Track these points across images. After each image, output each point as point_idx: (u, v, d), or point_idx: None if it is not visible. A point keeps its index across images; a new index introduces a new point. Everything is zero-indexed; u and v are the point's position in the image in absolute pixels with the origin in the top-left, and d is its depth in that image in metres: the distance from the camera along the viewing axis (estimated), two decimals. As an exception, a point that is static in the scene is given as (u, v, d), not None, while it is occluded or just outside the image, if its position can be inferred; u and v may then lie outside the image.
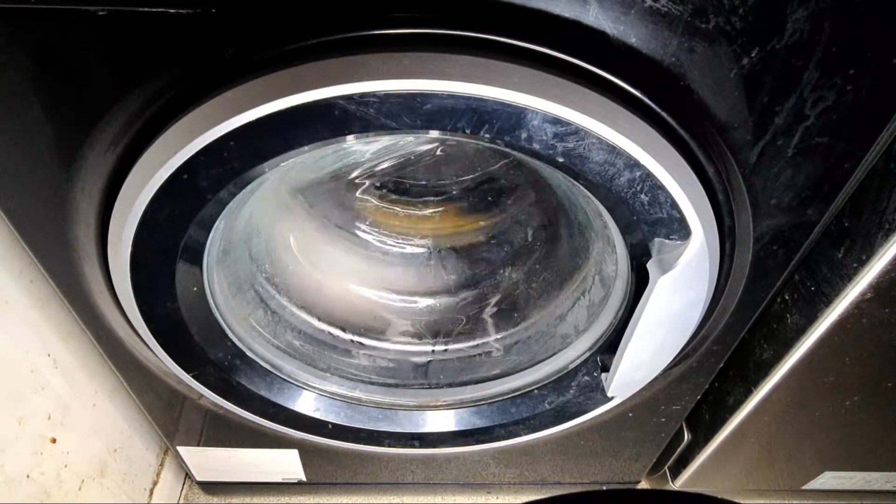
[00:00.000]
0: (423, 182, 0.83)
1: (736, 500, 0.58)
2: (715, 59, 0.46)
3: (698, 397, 0.84)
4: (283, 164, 0.50)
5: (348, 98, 0.44)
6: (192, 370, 0.69)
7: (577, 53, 0.47)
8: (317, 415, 0.79)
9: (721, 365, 0.77)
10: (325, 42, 0.46)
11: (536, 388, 0.80)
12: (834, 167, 0.52)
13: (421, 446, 0.84)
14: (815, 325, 0.68)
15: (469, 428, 0.82)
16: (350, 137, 0.47)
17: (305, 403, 0.79)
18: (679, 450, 0.98)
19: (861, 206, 0.60)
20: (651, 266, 0.56)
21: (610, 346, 0.73)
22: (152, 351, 0.66)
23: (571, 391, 0.78)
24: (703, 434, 0.93)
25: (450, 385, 0.83)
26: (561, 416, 0.80)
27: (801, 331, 0.70)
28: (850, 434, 0.88)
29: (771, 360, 0.76)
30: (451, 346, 0.86)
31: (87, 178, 0.53)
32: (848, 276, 0.63)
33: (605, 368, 0.75)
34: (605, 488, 1.06)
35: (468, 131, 0.47)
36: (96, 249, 0.58)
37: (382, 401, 0.82)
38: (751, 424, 0.85)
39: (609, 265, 0.72)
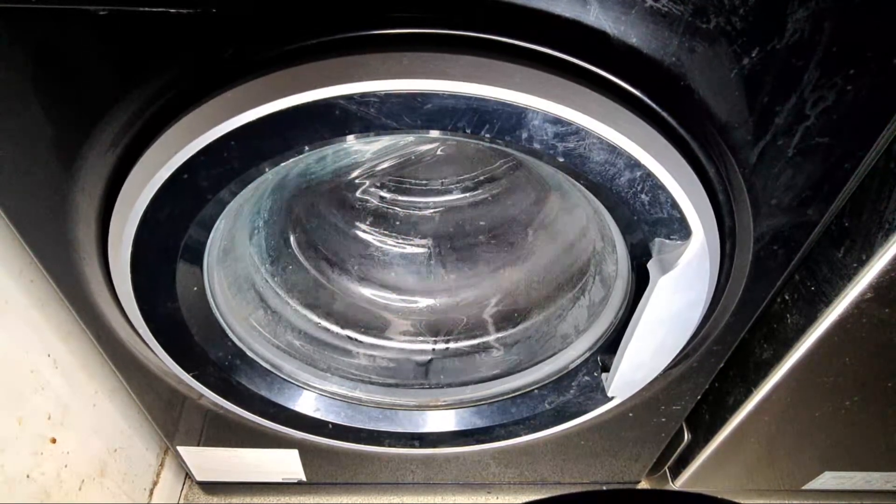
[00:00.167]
0: (424, 182, 0.83)
1: (736, 500, 0.58)
2: (715, 59, 0.46)
3: (698, 397, 0.84)
4: (283, 164, 0.50)
5: (348, 98, 0.44)
6: (193, 370, 0.69)
7: (578, 53, 0.47)
8: (317, 415, 0.79)
9: (721, 365, 0.77)
10: (325, 42, 0.46)
11: (536, 388, 0.80)
12: (834, 167, 0.52)
13: (421, 446, 0.84)
14: (815, 325, 0.68)
15: (469, 428, 0.82)
16: (350, 137, 0.47)
17: (305, 403, 0.79)
18: (679, 450, 0.98)
19: (861, 206, 0.60)
20: (651, 266, 0.56)
21: (610, 345, 0.73)
22: (152, 351, 0.66)
23: (571, 391, 0.78)
24: (703, 434, 0.93)
25: (450, 385, 0.83)
26: (561, 416, 0.80)
27: (801, 331, 0.70)
28: (850, 434, 0.88)
29: (771, 360, 0.76)
30: (452, 346, 0.86)
31: (87, 178, 0.53)
32: (848, 276, 0.63)
33: (606, 368, 0.75)
34: (605, 488, 1.06)
35: (469, 131, 0.47)
36: (96, 249, 0.58)
37: (382, 401, 0.82)
38: (751, 424, 0.85)
39: (609, 265, 0.72)
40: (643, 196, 0.51)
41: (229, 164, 0.48)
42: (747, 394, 0.81)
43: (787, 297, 0.72)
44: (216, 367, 0.70)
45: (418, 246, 0.88)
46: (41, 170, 0.52)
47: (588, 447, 0.94)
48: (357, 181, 0.80)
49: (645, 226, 0.53)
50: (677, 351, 0.67)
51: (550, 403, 0.79)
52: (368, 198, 0.84)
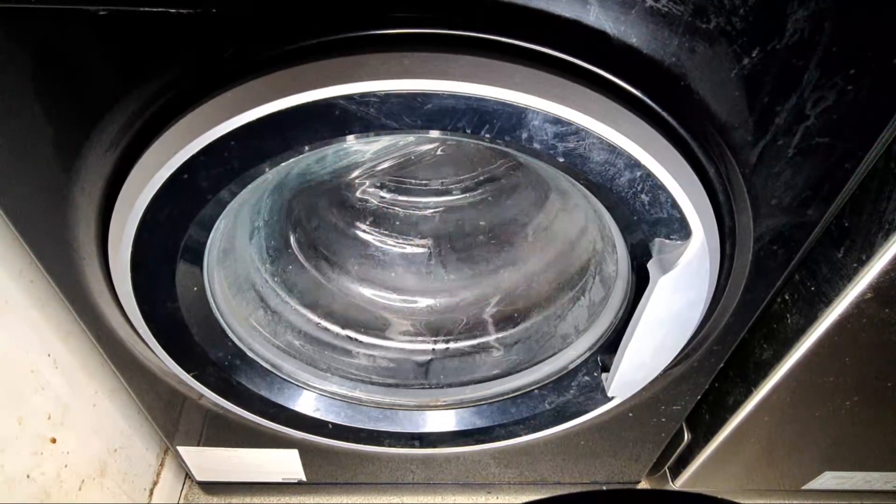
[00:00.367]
0: (424, 182, 0.83)
1: (736, 500, 0.58)
2: (715, 59, 0.46)
3: (698, 397, 0.84)
4: (283, 164, 0.50)
5: (349, 98, 0.44)
6: (193, 370, 0.69)
7: (578, 53, 0.47)
8: (317, 415, 0.79)
9: (721, 365, 0.77)
10: (325, 42, 0.46)
11: (536, 388, 0.80)
12: (834, 167, 0.52)
13: (421, 446, 0.84)
14: (815, 325, 0.68)
15: (469, 428, 0.82)
16: (350, 137, 0.47)
17: (305, 403, 0.79)
18: (679, 450, 0.98)
19: (861, 206, 0.60)
20: (651, 266, 0.56)
21: (610, 345, 0.73)
22: (153, 351, 0.66)
23: (571, 391, 0.78)
24: (703, 434, 0.93)
25: (450, 385, 0.83)
26: (561, 416, 0.80)
27: (801, 331, 0.70)
28: (850, 434, 0.88)
29: (771, 360, 0.76)
30: (452, 346, 0.86)
31: (87, 178, 0.53)
32: (848, 276, 0.63)
33: (606, 368, 0.75)
34: (605, 488, 1.06)
35: (469, 131, 0.47)
36: (96, 249, 0.58)
37: (382, 401, 0.82)
38: (751, 424, 0.85)
39: (609, 265, 0.72)
40: (643, 196, 0.51)
41: (229, 164, 0.48)
42: (747, 394, 0.81)
43: (787, 297, 0.72)
44: (216, 368, 0.70)
45: (418, 246, 0.88)
46: (41, 170, 0.52)
47: (588, 447, 0.94)
48: (357, 181, 0.80)
49: (645, 226, 0.53)
50: (677, 351, 0.67)
51: (550, 403, 0.79)
52: (368, 198, 0.84)
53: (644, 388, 0.75)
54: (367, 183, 0.81)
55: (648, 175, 0.49)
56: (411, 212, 0.86)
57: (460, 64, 0.45)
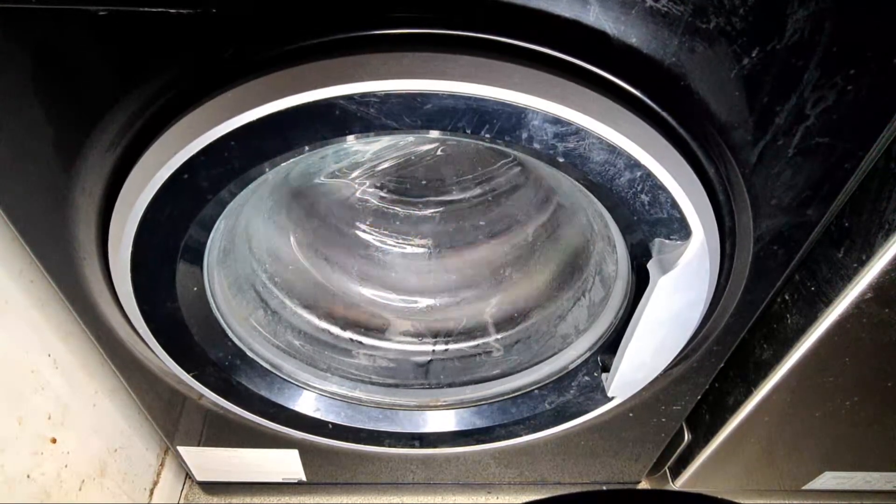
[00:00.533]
0: (423, 182, 0.83)
1: (736, 500, 0.58)
2: (715, 59, 0.46)
3: (698, 397, 0.84)
4: (283, 164, 0.50)
5: (349, 98, 0.44)
6: (193, 370, 0.69)
7: (578, 53, 0.47)
8: (317, 415, 0.79)
9: (721, 365, 0.77)
10: (325, 42, 0.46)
11: (537, 388, 0.80)
12: (834, 167, 0.52)
13: (421, 446, 0.84)
14: (815, 325, 0.68)
15: (469, 428, 0.82)
16: (350, 137, 0.47)
17: (305, 403, 0.79)
18: (679, 450, 0.98)
19: (861, 206, 0.60)
20: (651, 266, 0.56)
21: (610, 346, 0.73)
22: (152, 351, 0.66)
23: (572, 391, 0.78)
24: (703, 434, 0.93)
25: (450, 385, 0.83)
26: (561, 416, 0.80)
27: (801, 331, 0.70)
28: (850, 434, 0.88)
29: (771, 360, 0.76)
30: (452, 346, 0.86)
31: (87, 178, 0.53)
32: (848, 276, 0.63)
33: (606, 368, 0.75)
34: (605, 488, 1.06)
35: (469, 131, 0.47)
36: (96, 249, 0.58)
37: (383, 401, 0.82)
38: (751, 424, 0.85)
39: (609, 265, 0.72)
40: (643, 196, 0.51)
41: (229, 164, 0.48)
42: (747, 394, 0.81)
43: (787, 297, 0.72)
44: (216, 368, 0.70)
45: (418, 246, 0.88)
46: (41, 170, 0.52)
47: (588, 447, 0.94)
48: (357, 181, 0.80)
49: (645, 226, 0.53)
50: (677, 351, 0.67)
51: (550, 403, 0.79)
52: (368, 198, 0.84)
53: (644, 388, 0.75)
54: (367, 183, 0.81)
55: (648, 175, 0.49)
56: (411, 212, 0.86)
57: (460, 64, 0.45)
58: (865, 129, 0.50)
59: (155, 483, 1.01)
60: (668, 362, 0.69)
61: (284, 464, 0.96)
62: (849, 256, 0.63)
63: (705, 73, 0.47)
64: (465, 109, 0.45)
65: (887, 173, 0.57)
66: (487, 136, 0.47)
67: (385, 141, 0.70)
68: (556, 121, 0.46)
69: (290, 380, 0.77)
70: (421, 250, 0.88)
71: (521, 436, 0.83)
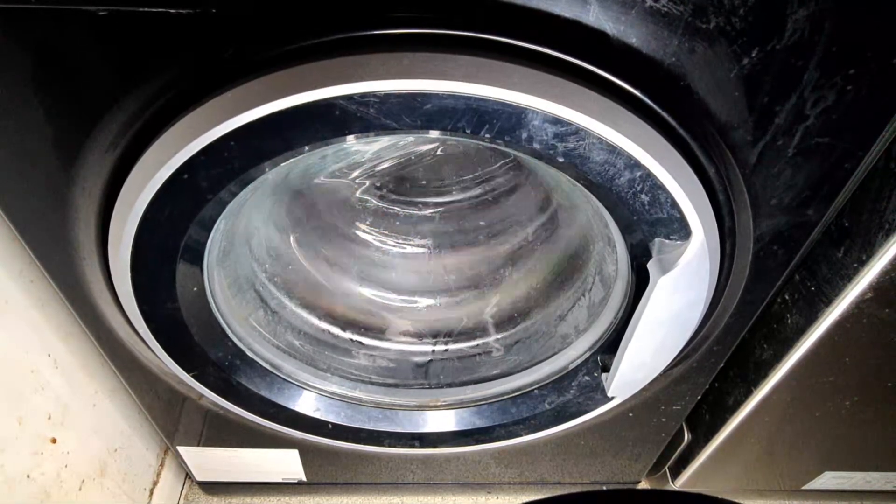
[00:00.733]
0: (423, 182, 0.83)
1: (736, 500, 0.58)
2: (715, 59, 0.46)
3: (698, 397, 0.84)
4: (283, 164, 0.50)
5: (348, 98, 0.44)
6: (193, 370, 0.69)
7: (578, 53, 0.47)
8: (317, 415, 0.79)
9: (721, 365, 0.77)
10: (325, 42, 0.46)
11: (536, 388, 0.80)
12: (834, 167, 0.52)
13: (421, 446, 0.84)
14: (815, 325, 0.68)
15: (469, 428, 0.82)
16: (350, 137, 0.47)
17: (305, 403, 0.79)
18: (679, 450, 0.98)
19: (861, 206, 0.60)
20: (651, 266, 0.56)
21: (610, 346, 0.73)
22: (152, 351, 0.66)
23: (571, 391, 0.78)
24: (703, 434, 0.93)
25: (450, 385, 0.83)
26: (561, 416, 0.80)
27: (801, 331, 0.70)
28: (850, 434, 0.88)
29: (771, 360, 0.76)
30: (452, 346, 0.86)
31: (87, 178, 0.53)
32: (848, 276, 0.63)
33: (606, 368, 0.75)
34: (605, 488, 1.06)
35: (468, 131, 0.47)
36: (96, 249, 0.58)
37: (382, 401, 0.82)
38: (751, 424, 0.85)
39: (609, 265, 0.72)
40: (643, 196, 0.51)
41: (229, 164, 0.48)
42: (747, 394, 0.81)
43: (787, 297, 0.72)
44: (216, 368, 0.70)
45: (418, 246, 0.88)
46: (41, 170, 0.52)
47: (588, 447, 0.94)
48: (357, 181, 0.80)
49: (645, 226, 0.53)
50: (677, 351, 0.67)
51: (550, 403, 0.79)
52: (368, 198, 0.84)
53: (644, 388, 0.75)
54: (367, 183, 0.81)
55: (648, 175, 0.49)
56: (411, 212, 0.86)
57: (460, 64, 0.45)
58: (865, 129, 0.50)
59: (155, 483, 1.01)
60: (668, 362, 0.69)
61: (284, 464, 0.96)
62: (849, 256, 0.63)
63: (705, 73, 0.47)
64: (464, 109, 0.45)
65: (887, 173, 0.57)
66: (487, 136, 0.47)
67: (385, 141, 0.70)
68: (556, 121, 0.46)
69: (289, 380, 0.77)
70: (421, 250, 0.88)
71: (521, 436, 0.83)
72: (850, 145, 0.51)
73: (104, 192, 0.54)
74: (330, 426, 0.80)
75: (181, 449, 0.93)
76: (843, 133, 0.50)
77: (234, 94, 0.46)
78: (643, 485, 1.09)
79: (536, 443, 0.88)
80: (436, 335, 0.87)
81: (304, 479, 1.01)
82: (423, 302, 0.89)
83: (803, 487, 1.03)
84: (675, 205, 0.51)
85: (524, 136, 0.47)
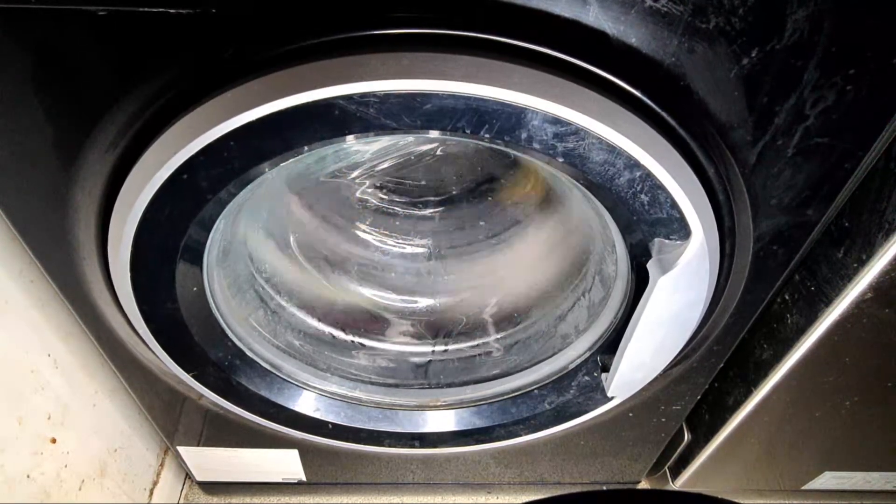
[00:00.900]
0: (423, 182, 0.83)
1: (736, 500, 0.58)
2: (715, 59, 0.46)
3: (698, 397, 0.84)
4: (283, 164, 0.50)
5: (348, 98, 0.44)
6: (192, 370, 0.69)
7: (577, 53, 0.47)
8: (317, 415, 0.79)
9: (721, 365, 0.77)
10: (325, 42, 0.46)
11: (536, 388, 0.80)
12: (834, 167, 0.52)
13: (421, 446, 0.84)
14: (815, 325, 0.68)
15: (469, 428, 0.82)
16: (350, 137, 0.47)
17: (305, 403, 0.79)
18: (679, 450, 0.98)
19: (861, 206, 0.60)
20: (651, 266, 0.56)
21: (610, 346, 0.73)
22: (152, 351, 0.66)
23: (571, 391, 0.78)
24: (703, 434, 0.92)
25: (450, 385, 0.83)
26: (561, 416, 0.80)
27: (801, 331, 0.70)
28: (850, 434, 0.88)
29: (771, 360, 0.76)
30: (451, 346, 0.86)
31: (87, 178, 0.53)
32: (848, 276, 0.63)
33: (605, 368, 0.75)
34: (605, 488, 1.06)
35: (468, 131, 0.47)
36: (96, 249, 0.58)
37: (382, 401, 0.82)
38: (751, 424, 0.85)
39: (609, 265, 0.72)
40: (643, 196, 0.51)
41: (229, 164, 0.48)
42: (747, 394, 0.81)
43: (787, 297, 0.72)
44: (216, 368, 0.70)
45: (418, 246, 0.88)
46: (41, 170, 0.52)
47: (588, 447, 0.94)
48: (357, 181, 0.80)
49: (644, 226, 0.53)
50: (677, 351, 0.67)
51: (550, 403, 0.79)
52: (368, 198, 0.84)
53: (644, 388, 0.75)
54: (367, 183, 0.81)
55: (648, 175, 0.49)
56: (411, 212, 0.86)
57: (460, 64, 0.45)
58: (865, 129, 0.50)
59: (155, 483, 1.01)
60: (668, 362, 0.69)
61: (284, 464, 0.96)
62: (849, 256, 0.63)
63: (705, 73, 0.47)
64: (464, 109, 0.45)
65: (887, 173, 0.57)
66: (487, 136, 0.47)
67: (385, 141, 0.70)
68: (556, 121, 0.46)
69: (289, 380, 0.77)
70: (421, 250, 0.88)
71: (520, 436, 0.83)
72: (850, 145, 0.51)
73: (104, 192, 0.54)
74: (330, 426, 0.80)
75: (181, 449, 0.93)
76: (843, 133, 0.50)
77: (233, 94, 0.46)
78: (643, 485, 1.09)
79: (536, 443, 0.88)
80: (435, 335, 0.87)
81: (304, 479, 1.01)
82: (423, 302, 0.89)
83: (803, 487, 1.03)
84: (674, 205, 0.51)
85: (524, 136, 0.47)
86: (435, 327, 0.87)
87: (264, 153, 0.48)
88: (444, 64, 0.45)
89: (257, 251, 0.78)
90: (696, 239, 0.53)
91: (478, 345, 0.86)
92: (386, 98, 0.45)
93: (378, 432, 0.82)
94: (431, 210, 0.86)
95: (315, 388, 0.79)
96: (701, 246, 0.54)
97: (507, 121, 0.46)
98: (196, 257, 0.58)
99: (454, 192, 0.85)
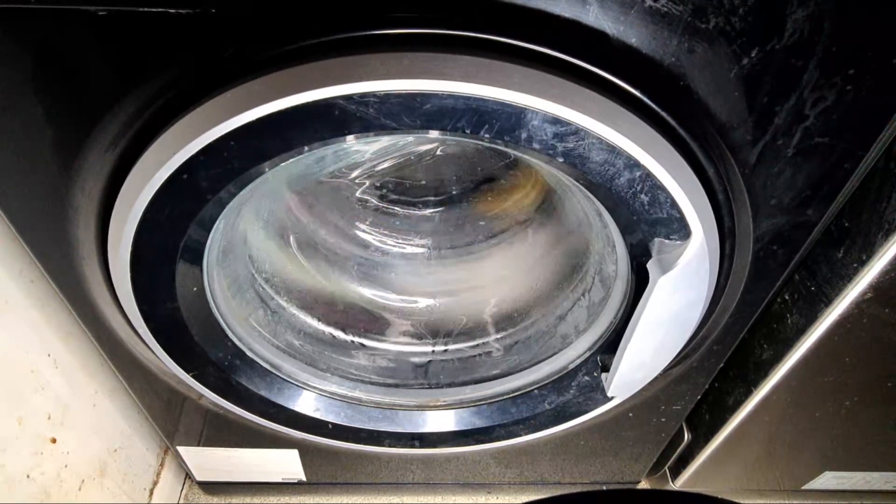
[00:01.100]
0: (423, 182, 0.83)
1: (736, 500, 0.58)
2: (715, 59, 0.46)
3: (698, 397, 0.84)
4: (282, 164, 0.50)
5: (348, 98, 0.44)
6: (192, 370, 0.69)
7: (577, 53, 0.47)
8: (317, 415, 0.79)
9: (721, 365, 0.77)
10: (325, 42, 0.46)
11: (536, 388, 0.80)
12: (834, 167, 0.52)
13: (421, 446, 0.84)
14: (815, 325, 0.68)
15: (469, 428, 0.82)
16: (350, 137, 0.47)
17: (305, 403, 0.79)
18: (679, 450, 0.98)
19: (861, 206, 0.60)
20: (651, 266, 0.56)
21: (610, 346, 0.73)
22: (152, 351, 0.66)
23: (571, 391, 0.78)
24: (703, 434, 0.92)
25: (450, 385, 0.83)
26: (561, 416, 0.80)
27: (801, 331, 0.70)
28: (850, 434, 0.88)
29: (771, 360, 0.76)
30: (451, 346, 0.86)
31: (87, 178, 0.53)
32: (848, 276, 0.63)
33: (605, 368, 0.75)
34: (605, 488, 1.06)
35: (468, 131, 0.47)
36: (96, 249, 0.58)
37: (382, 401, 0.82)
38: (751, 424, 0.85)
39: (609, 265, 0.72)
40: (643, 196, 0.51)
41: (229, 164, 0.48)
42: (747, 394, 0.81)
43: (787, 297, 0.72)
44: (216, 368, 0.70)
45: (418, 246, 0.88)
46: (41, 170, 0.52)
47: (588, 447, 0.94)
48: (357, 181, 0.80)
49: (644, 226, 0.53)
50: (677, 351, 0.67)
51: (550, 403, 0.79)
52: (368, 198, 0.84)
53: (644, 388, 0.75)
54: (367, 183, 0.81)
55: (648, 175, 0.49)
56: (411, 212, 0.86)
57: (460, 64, 0.45)
58: (865, 129, 0.50)
59: (155, 483, 1.01)
60: (668, 362, 0.69)
61: (284, 464, 0.96)
62: (849, 256, 0.63)
63: (705, 73, 0.47)
64: (464, 109, 0.45)
65: (887, 173, 0.57)
66: (487, 136, 0.47)
67: (385, 141, 0.70)
68: (556, 121, 0.46)
69: (289, 380, 0.77)
70: (421, 250, 0.88)
71: (520, 436, 0.83)
72: (850, 145, 0.51)
73: (104, 192, 0.54)
74: (330, 426, 0.80)
75: (181, 449, 0.93)
76: (843, 133, 0.50)
77: (233, 94, 0.46)
78: (643, 485, 1.09)
79: (536, 443, 0.88)
80: (435, 335, 0.87)
81: (304, 479, 1.01)
82: (423, 302, 0.89)
83: (803, 487, 1.03)
84: (674, 205, 0.51)
85: (524, 136, 0.47)
86: (435, 327, 0.87)
87: (264, 153, 0.48)
88: (444, 64, 0.45)
89: (257, 251, 0.78)
90: (696, 239, 0.54)
91: (478, 345, 0.86)
92: (386, 98, 0.45)
93: (378, 432, 0.82)
94: (431, 210, 0.86)
95: (315, 388, 0.79)
96: (701, 246, 0.54)
97: (507, 121, 0.46)
98: (196, 257, 0.58)
99: (454, 193, 0.85)
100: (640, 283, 0.60)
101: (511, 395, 0.81)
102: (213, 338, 0.68)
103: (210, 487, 1.07)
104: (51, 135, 0.50)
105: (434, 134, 0.48)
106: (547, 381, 0.79)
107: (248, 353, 0.72)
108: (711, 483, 1.02)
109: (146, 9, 0.43)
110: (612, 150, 0.47)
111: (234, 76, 0.47)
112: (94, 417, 0.84)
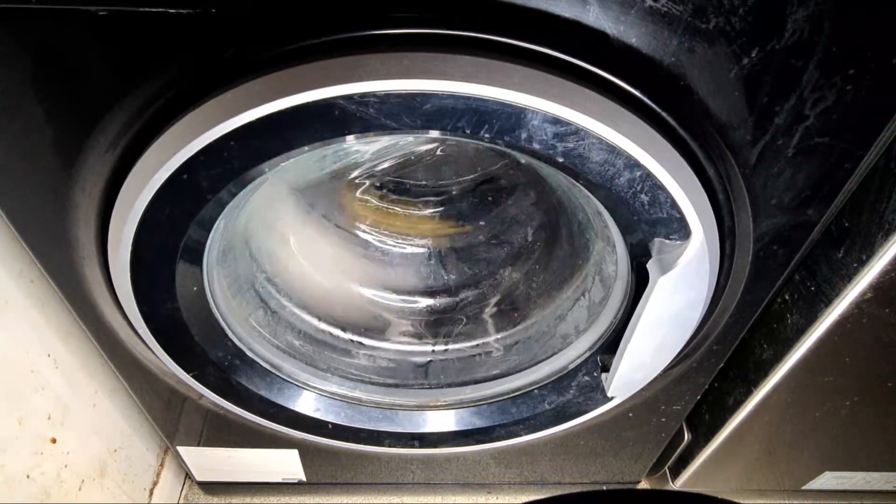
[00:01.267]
0: (423, 182, 0.83)
1: (736, 500, 0.58)
2: (715, 60, 0.46)
3: (698, 397, 0.84)
4: (283, 164, 0.50)
5: (348, 98, 0.44)
6: (192, 370, 0.69)
7: (578, 53, 0.47)
8: (317, 415, 0.79)
9: (721, 365, 0.77)
10: (325, 42, 0.46)
11: (536, 388, 0.80)
12: (834, 167, 0.52)
13: (421, 446, 0.84)
14: (815, 325, 0.68)
15: (469, 428, 0.82)
16: (350, 137, 0.47)
17: (305, 403, 0.79)
18: (679, 450, 0.98)
19: (861, 206, 0.60)
20: (651, 266, 0.56)
21: (610, 346, 0.73)
22: (152, 351, 0.66)
23: (571, 391, 0.78)
24: (703, 434, 0.93)
25: (450, 385, 0.83)
26: (561, 416, 0.80)
27: (801, 331, 0.70)
28: (850, 434, 0.88)
29: (771, 360, 0.76)
30: (451, 346, 0.86)
31: (87, 178, 0.53)
32: (848, 276, 0.63)
33: (605, 368, 0.75)
34: (605, 488, 1.06)
35: (468, 131, 0.47)
36: (96, 249, 0.58)
37: (382, 401, 0.82)
38: (751, 424, 0.85)
39: (609, 265, 0.72)
40: (643, 196, 0.51)
41: (229, 165, 0.48)
42: (747, 394, 0.81)
43: (787, 297, 0.72)
44: (216, 368, 0.70)
45: (418, 246, 0.88)
46: (41, 170, 0.52)
47: (588, 447, 0.94)
48: (357, 181, 0.80)
49: (644, 226, 0.53)
50: (677, 351, 0.67)
51: (550, 403, 0.79)
52: (368, 198, 0.84)
53: (644, 388, 0.75)
54: (367, 183, 0.81)
55: (648, 175, 0.49)
56: (411, 212, 0.86)
57: (460, 64, 0.45)
58: (865, 129, 0.50)
59: (155, 483, 1.01)
60: (668, 362, 0.69)
61: (284, 464, 0.96)
62: (849, 256, 0.63)
63: (705, 73, 0.47)
64: (464, 109, 0.45)
65: (887, 173, 0.57)
66: (487, 136, 0.47)
67: (385, 141, 0.70)
68: (556, 121, 0.46)
69: (289, 380, 0.77)
70: (421, 250, 0.88)
71: (520, 436, 0.83)
72: (850, 145, 0.51)
73: (104, 192, 0.54)
74: (330, 426, 0.80)
75: (181, 449, 0.93)
76: (843, 133, 0.50)
77: (233, 94, 0.46)
78: (643, 485, 1.09)
79: (536, 443, 0.88)
80: (436, 335, 0.87)
81: (304, 479, 1.01)
82: (423, 302, 0.89)
83: (803, 487, 1.03)
84: (674, 205, 0.51)
85: (524, 136, 0.47)
86: (435, 327, 0.87)
87: (264, 153, 0.48)
88: (444, 64, 0.45)
89: (257, 251, 0.78)
90: (696, 239, 0.54)
91: (478, 345, 0.86)
92: (386, 98, 0.45)
93: (378, 432, 0.82)
94: (431, 210, 0.86)
95: (315, 388, 0.79)
96: (701, 246, 0.54)
97: (507, 121, 0.46)
98: (196, 257, 0.58)
99: (454, 192, 0.85)
100: (640, 283, 0.60)
101: (511, 396, 0.81)
102: (213, 338, 0.68)
103: (210, 487, 1.07)
104: (51, 135, 0.50)
105: (434, 134, 0.48)
106: (547, 382, 0.79)
107: (249, 353, 0.72)
108: (711, 483, 1.02)
109: (146, 9, 0.43)
110: (612, 150, 0.47)
111: (233, 76, 0.47)
112: (94, 417, 0.84)
